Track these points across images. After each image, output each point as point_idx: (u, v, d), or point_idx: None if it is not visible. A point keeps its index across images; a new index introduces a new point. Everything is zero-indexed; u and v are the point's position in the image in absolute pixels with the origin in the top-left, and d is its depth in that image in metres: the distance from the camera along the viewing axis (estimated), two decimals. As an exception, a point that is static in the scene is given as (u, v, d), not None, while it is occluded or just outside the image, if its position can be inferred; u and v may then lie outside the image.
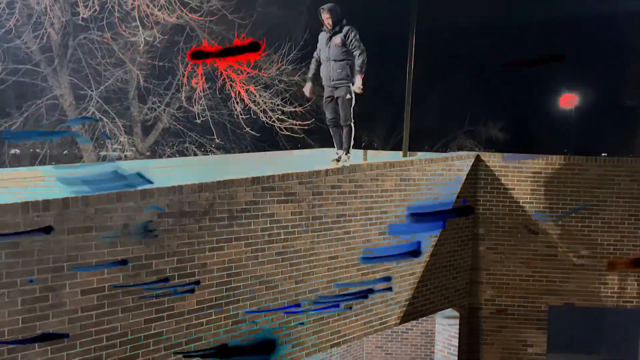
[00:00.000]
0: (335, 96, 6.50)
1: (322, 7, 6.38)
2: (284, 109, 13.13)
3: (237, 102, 12.91)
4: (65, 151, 15.15)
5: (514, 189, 7.66)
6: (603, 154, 26.00)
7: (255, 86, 13.03)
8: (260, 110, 12.94)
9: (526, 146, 22.55)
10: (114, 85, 12.83)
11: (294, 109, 13.17)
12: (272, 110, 13.04)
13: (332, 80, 6.43)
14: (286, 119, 13.17)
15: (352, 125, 6.56)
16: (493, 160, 7.67)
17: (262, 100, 12.95)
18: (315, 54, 6.67)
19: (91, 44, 12.20)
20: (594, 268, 7.68)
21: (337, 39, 6.31)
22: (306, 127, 13.81)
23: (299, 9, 14.38)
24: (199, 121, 13.20)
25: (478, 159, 7.65)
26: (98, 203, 4.07)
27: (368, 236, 6.26)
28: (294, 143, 15.58)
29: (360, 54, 6.32)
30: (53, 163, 13.69)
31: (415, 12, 7.58)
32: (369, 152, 8.80)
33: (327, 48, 6.41)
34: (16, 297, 3.73)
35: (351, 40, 6.27)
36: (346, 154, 6.60)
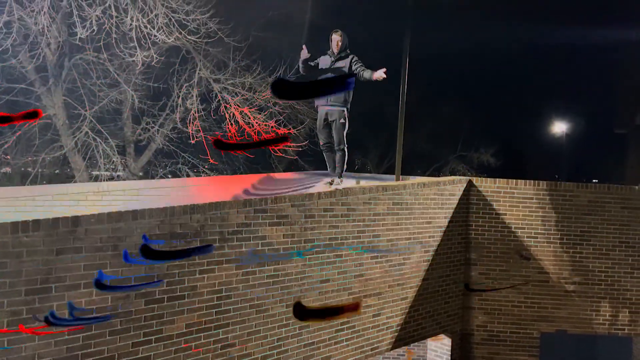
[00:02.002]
0: (330, 120, 6.58)
1: (336, 30, 6.58)
2: (277, 131, 13.19)
3: (232, 124, 12.97)
4: (57, 170, 15.07)
5: (505, 215, 7.68)
6: (594, 181, 26.24)
7: (250, 108, 13.11)
8: (254, 132, 12.99)
9: (518, 172, 22.72)
10: (108, 105, 12.86)
11: (287, 131, 13.23)
12: (266, 132, 13.09)
13: (329, 102, 6.51)
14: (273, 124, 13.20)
15: (346, 149, 6.61)
16: (485, 185, 7.71)
17: (256, 122, 13.02)
18: (312, 62, 6.66)
19: (87, 64, 12.26)
20: (586, 295, 7.68)
21: (342, 63, 6.49)
22: (299, 149, 13.87)
23: (294, 33, 14.56)
24: (192, 142, 13.22)
25: (470, 184, 7.69)
26: (88, 224, 4.04)
27: (360, 260, 6.23)
28: (287, 165, 15.62)
29: (367, 70, 6.52)
30: (44, 182, 13.60)
31: (409, 38, 7.71)
32: (362, 175, 8.83)
33: (329, 70, 6.53)
34: (2, 318, 3.67)
35: (356, 67, 6.50)
36: (339, 178, 6.62)
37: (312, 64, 6.59)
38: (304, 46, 6.54)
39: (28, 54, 11.43)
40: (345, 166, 6.69)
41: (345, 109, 6.50)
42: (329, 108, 6.50)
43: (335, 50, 6.49)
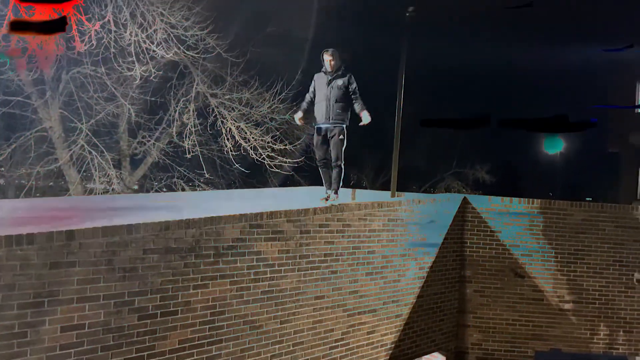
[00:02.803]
0: (329, 136, 6.51)
1: (327, 49, 6.56)
2: (274, 146, 13.23)
3: (228, 139, 13.00)
4: (51, 183, 15.01)
5: (500, 232, 7.70)
6: (588, 199, 26.35)
7: (247, 123, 13.15)
8: (251, 147, 13.02)
9: (512, 189, 22.81)
10: (105, 119, 12.87)
11: (284, 147, 13.27)
12: (263, 148, 13.12)
13: (330, 119, 6.50)
14: (276, 156, 13.24)
15: (343, 166, 6.58)
16: (480, 202, 7.74)
17: (253, 138, 13.05)
18: (309, 94, 6.74)
19: (84, 77, 12.30)
20: (580, 313, 7.67)
21: (340, 82, 6.49)
22: (296, 165, 13.88)
23: (291, 50, 14.70)
24: (188, 156, 13.22)
25: (465, 201, 7.72)
26: (83, 237, 4.03)
27: (355, 276, 6.22)
28: (283, 180, 15.62)
29: (358, 98, 6.59)
30: (38, 195, 13.54)
31: (405, 55, 7.79)
32: (357, 191, 8.85)
33: (327, 88, 6.52)
34: (-7, 332, 3.63)
35: (353, 87, 6.54)
36: (335, 194, 6.64)
37: (306, 105, 6.73)
38: (299, 119, 6.81)
39: (26, 67, 11.45)
40: (341, 183, 6.63)
41: (344, 126, 6.52)
42: (329, 125, 6.51)
43: (330, 69, 6.49)
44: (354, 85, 6.54)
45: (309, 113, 6.89)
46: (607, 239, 7.71)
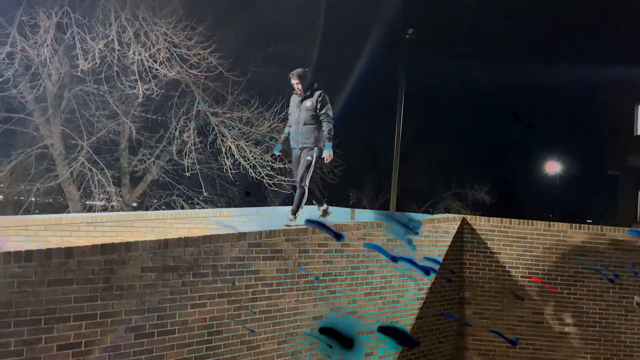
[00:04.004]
0: (301, 156, 6.37)
1: (292, 72, 6.39)
2: (273, 165, 13.27)
3: (228, 157, 13.04)
4: (50, 200, 15.02)
5: (499, 254, 7.68)
6: (588, 221, 26.31)
7: (247, 142, 13.21)
8: (250, 166, 13.05)
9: (512, 210, 22.80)
10: (106, 136, 12.94)
11: (283, 166, 13.31)
12: (262, 166, 13.16)
13: (299, 142, 6.33)
14: (275, 175, 13.28)
15: (307, 189, 6.32)
16: (479, 223, 7.74)
17: (253, 156, 13.10)
18: (289, 119, 6.61)
19: (86, 95, 12.40)
20: (580, 337, 7.61)
21: (308, 103, 6.28)
22: (294, 184, 13.89)
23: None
24: (188, 174, 13.25)
25: (464, 222, 7.71)
26: (81, 255, 4.02)
27: (354, 296, 6.18)
28: (282, 199, 15.62)
29: (326, 122, 6.28)
30: (37, 212, 13.53)
31: (404, 77, 7.88)
32: (356, 210, 8.85)
33: (297, 111, 6.37)
34: (-12, 350, 3.61)
35: (321, 107, 6.26)
36: (293, 215, 6.21)
37: (284, 137, 6.62)
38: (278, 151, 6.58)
39: (29, 85, 11.56)
40: (302, 205, 6.36)
41: (315, 148, 6.31)
42: (302, 145, 6.34)
43: (299, 92, 6.36)
44: (325, 106, 6.26)
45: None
46: (606, 261, 7.68)
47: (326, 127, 6.27)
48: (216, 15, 12.50)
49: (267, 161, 13.25)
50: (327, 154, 6.31)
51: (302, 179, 6.29)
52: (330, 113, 6.35)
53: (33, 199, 12.57)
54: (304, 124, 6.28)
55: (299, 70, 6.37)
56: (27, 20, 10.58)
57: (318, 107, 6.27)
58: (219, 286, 4.89)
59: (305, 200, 6.33)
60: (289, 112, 6.58)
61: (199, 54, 11.90)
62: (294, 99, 6.46)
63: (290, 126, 6.53)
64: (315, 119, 6.28)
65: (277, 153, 6.85)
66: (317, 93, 6.30)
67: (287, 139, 6.61)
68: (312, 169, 6.33)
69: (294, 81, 6.34)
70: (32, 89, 11.57)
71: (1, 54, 10.43)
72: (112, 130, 12.90)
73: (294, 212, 6.25)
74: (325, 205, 6.51)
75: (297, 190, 6.35)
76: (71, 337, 3.97)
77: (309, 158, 6.27)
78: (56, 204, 14.65)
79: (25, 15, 10.58)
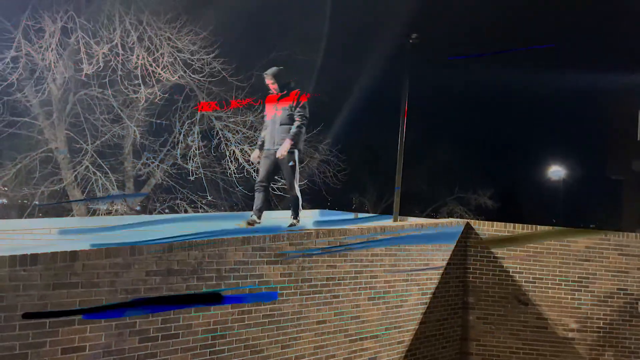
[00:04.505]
0: (278, 162, 6.06)
1: (266, 72, 6.16)
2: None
3: (231, 161, 13.07)
4: (55, 203, 15.06)
5: (503, 258, 7.67)
6: (592, 226, 26.23)
7: (250, 146, 13.23)
8: (254, 170, 13.07)
9: (515, 215, 22.76)
10: (110, 140, 12.98)
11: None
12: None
13: (275, 144, 6.03)
14: (279, 179, 13.28)
15: (299, 195, 6.12)
16: (483, 228, 7.73)
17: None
18: (265, 122, 6.34)
19: (91, 99, 12.45)
20: (585, 342, 7.58)
21: (284, 102, 6.02)
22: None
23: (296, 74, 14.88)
24: (192, 178, 13.28)
25: (468, 226, 7.70)
26: (86, 258, 4.03)
27: (357, 301, 6.18)
28: (285, 203, 15.64)
29: (299, 122, 6.00)
30: (40, 215, 13.58)
31: (407, 80, 7.88)
32: (360, 214, 8.85)
33: (273, 111, 6.10)
34: (-7, 353, 3.62)
35: (296, 106, 6.01)
36: (295, 219, 6.13)
37: (260, 142, 6.28)
38: (256, 156, 6.21)
39: (33, 89, 11.61)
40: (300, 209, 6.20)
41: (295, 151, 6.02)
42: (278, 146, 5.99)
43: (274, 92, 6.11)
44: (300, 105, 6.00)
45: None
46: (611, 267, 7.66)
47: (295, 126, 5.97)
48: (220, 20, 12.54)
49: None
50: (282, 149, 5.91)
51: (291, 186, 6.07)
52: (306, 113, 6.08)
53: (37, 202, 12.60)
54: (281, 124, 6.02)
55: (273, 70, 6.11)
56: (32, 24, 10.64)
57: (294, 105, 6.02)
58: (222, 290, 4.89)
59: (301, 202, 6.20)
60: (265, 113, 6.29)
61: (203, 59, 11.94)
62: (271, 98, 6.19)
63: (266, 128, 6.25)
64: (292, 118, 6.02)
65: (252, 158, 6.53)
66: (294, 92, 6.04)
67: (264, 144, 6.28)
68: (297, 173, 6.10)
69: (268, 81, 6.09)
70: (36, 93, 11.62)
71: (6, 58, 10.48)
72: (116, 134, 12.95)
73: (296, 217, 6.16)
74: (298, 219, 6.15)
75: (291, 198, 6.19)
76: (76, 340, 3.98)
77: (291, 164, 6.02)
78: (60, 208, 14.69)
79: (30, 19, 10.65)
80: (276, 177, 13.22)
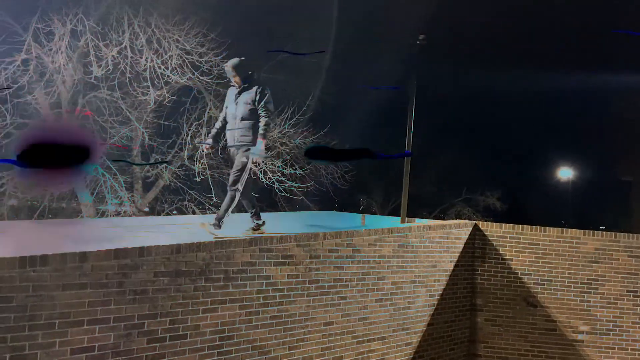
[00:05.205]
0: (234, 156, 5.71)
1: (226, 63, 5.78)
2: (284, 170, 13.31)
3: (238, 163, 13.09)
4: (64, 205, 15.16)
5: (512, 260, 7.63)
6: (601, 228, 26.02)
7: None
8: (261, 171, 13.10)
9: (524, 217, 22.64)
10: (119, 142, 13.05)
11: (294, 171, 13.34)
12: (273, 172, 13.20)
13: (235, 141, 5.67)
14: (286, 180, 13.31)
15: (237, 194, 5.54)
16: (491, 229, 7.69)
17: (263, 162, 13.14)
18: (222, 113, 5.93)
19: (100, 101, 12.54)
20: (594, 345, 7.52)
21: (246, 96, 5.61)
22: (305, 190, 13.94)
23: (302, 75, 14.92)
24: (199, 179, 13.33)
25: (476, 228, 7.67)
26: (95, 259, 4.07)
27: (364, 302, 6.17)
28: (293, 204, 15.67)
29: (265, 116, 5.60)
30: (50, 216, 13.67)
31: (415, 82, 7.86)
32: (367, 216, 8.83)
33: (234, 105, 5.68)
34: (4, 353, 3.65)
35: (260, 100, 5.59)
36: (217, 224, 5.37)
37: (217, 128, 5.86)
38: (205, 146, 5.64)
39: (43, 91, 11.72)
40: (229, 212, 5.55)
41: (252, 149, 5.61)
42: (233, 147, 5.68)
43: (236, 85, 5.71)
44: (261, 99, 5.57)
45: (218, 140, 6.05)
46: (620, 268, 7.60)
47: (262, 121, 5.57)
48: (228, 22, 12.60)
49: (278, 167, 13.30)
50: (260, 151, 5.59)
51: (234, 182, 5.52)
52: (271, 107, 5.67)
53: (47, 204, 12.70)
54: (241, 120, 5.60)
55: (234, 61, 5.70)
56: (42, 27, 10.75)
57: (257, 99, 5.59)
58: (230, 291, 4.91)
59: (233, 206, 5.58)
60: (225, 105, 5.86)
61: (211, 61, 11.99)
62: (232, 92, 5.79)
63: (223, 122, 5.83)
64: (254, 114, 5.60)
65: (203, 148, 5.99)
66: (256, 86, 5.65)
67: (217, 135, 5.89)
68: (247, 172, 5.59)
69: (232, 73, 5.67)
70: (46, 95, 11.72)
71: (16, 61, 10.59)
72: (125, 136, 13.02)
73: (219, 220, 5.44)
74: (261, 220, 5.69)
75: (228, 195, 5.60)
76: (85, 341, 4.01)
77: (244, 160, 5.56)
78: (69, 209, 14.79)
79: (40, 22, 10.75)
80: (283, 178, 13.29)
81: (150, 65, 11.16)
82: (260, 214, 5.80)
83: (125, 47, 10.97)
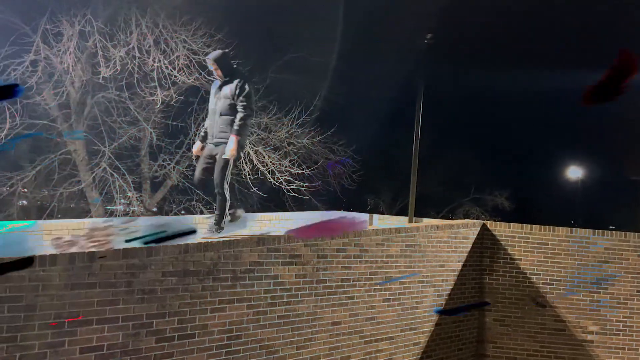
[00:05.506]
0: (214, 154, 5.40)
1: (208, 56, 5.58)
2: (291, 170, 13.31)
3: (246, 163, 13.13)
4: (72, 204, 15.26)
5: (520, 260, 7.58)
6: (611, 227, 25.80)
7: (265, 148, 13.28)
8: (268, 171, 13.11)
9: (533, 216, 22.50)
10: (127, 142, 13.12)
11: (301, 171, 13.34)
12: (280, 172, 13.21)
13: (214, 137, 5.41)
14: (293, 180, 13.32)
15: (227, 194, 5.34)
16: (499, 229, 7.65)
17: (271, 162, 13.16)
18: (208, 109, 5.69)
19: (108, 102, 12.60)
20: (604, 345, 7.46)
21: (226, 90, 5.33)
22: (313, 189, 13.94)
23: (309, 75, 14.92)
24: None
25: (484, 228, 7.63)
26: (103, 259, 4.08)
27: (372, 302, 6.16)
28: (300, 204, 15.67)
29: (243, 111, 5.29)
30: (59, 216, 13.77)
31: (423, 82, 7.85)
32: (374, 216, 8.82)
33: (215, 99, 5.44)
34: (15, 352, 3.68)
35: (239, 94, 5.29)
36: (219, 228, 5.34)
37: (202, 133, 5.65)
38: (196, 151, 5.51)
39: (52, 92, 11.79)
40: (226, 214, 5.42)
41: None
42: (217, 139, 5.36)
43: (219, 78, 5.47)
44: (240, 93, 5.26)
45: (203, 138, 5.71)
46: (630, 268, 7.53)
47: (238, 116, 5.26)
48: (235, 22, 12.63)
49: (286, 167, 13.30)
50: (230, 149, 5.25)
51: (219, 183, 5.29)
52: (251, 103, 5.36)
53: (56, 203, 12.78)
54: (221, 115, 5.34)
55: (216, 53, 5.50)
56: (51, 28, 10.81)
57: (236, 93, 5.29)
58: (238, 290, 4.91)
59: (228, 205, 5.42)
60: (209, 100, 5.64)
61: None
62: (213, 86, 5.58)
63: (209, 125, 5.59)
64: (233, 109, 5.33)
65: (194, 150, 5.68)
66: (237, 80, 5.35)
67: (207, 136, 5.65)
68: (229, 171, 5.36)
69: (212, 66, 5.43)
70: (55, 96, 11.80)
71: (25, 62, 10.67)
72: (133, 137, 13.09)
73: (219, 223, 5.38)
74: (221, 226, 5.42)
75: (217, 198, 5.41)
76: (94, 340, 4.03)
77: (225, 156, 5.31)
78: (78, 209, 14.89)
79: (49, 23, 10.82)
80: (290, 178, 13.29)
81: (157, 66, 11.20)
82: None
83: (133, 47, 11.02)
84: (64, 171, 12.76)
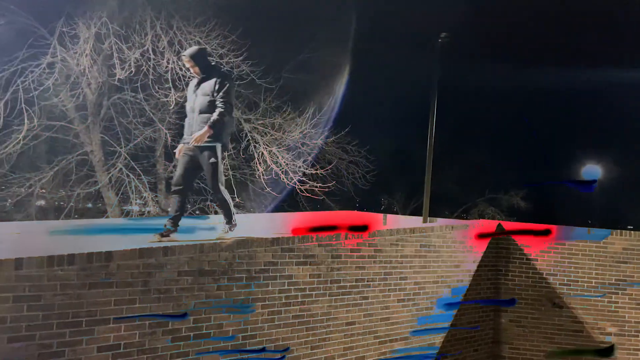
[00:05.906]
0: (199, 159, 5.15)
1: (183, 53, 5.33)
2: (305, 171, 13.33)
3: (260, 163, 13.18)
4: (90, 205, 15.45)
5: (537, 260, 7.51)
6: (629, 227, 25.42)
7: (279, 148, 13.32)
8: (282, 172, 13.14)
9: (549, 216, 22.25)
10: (143, 143, 13.24)
11: (315, 171, 13.35)
12: (294, 172, 13.24)
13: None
14: (307, 180, 13.33)
15: (225, 195, 5.17)
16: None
17: (285, 162, 13.19)
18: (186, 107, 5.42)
19: (124, 103, 12.73)
20: (622, 347, 7.35)
21: (206, 85, 5.12)
22: (326, 190, 13.94)
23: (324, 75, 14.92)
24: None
25: (500, 228, 7.57)
26: (121, 259, 4.13)
27: (386, 302, 6.14)
28: (314, 204, 15.68)
29: (222, 107, 5.05)
30: (76, 217, 13.94)
31: (437, 80, 7.80)
32: (388, 216, 8.79)
33: (193, 96, 5.20)
34: (34, 351, 3.73)
35: (218, 90, 5.07)
36: (228, 225, 5.21)
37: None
38: (178, 151, 5.21)
39: (69, 93, 11.95)
40: (233, 212, 5.28)
41: (216, 146, 5.11)
42: (193, 147, 5.09)
43: (197, 75, 5.25)
44: (224, 90, 5.05)
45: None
46: (649, 269, 7.41)
47: (216, 112, 5.03)
48: (248, 23, 12.67)
49: (299, 167, 13.33)
50: (197, 135, 5.00)
51: (214, 187, 5.10)
52: (230, 100, 5.12)
53: (73, 204, 12.95)
54: (200, 113, 5.10)
55: (191, 50, 5.24)
56: (67, 31, 10.95)
57: (215, 90, 5.08)
58: (252, 290, 4.93)
59: (232, 205, 5.27)
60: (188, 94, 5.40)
61: (231, 62, 12.08)
62: (192, 83, 5.33)
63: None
64: (213, 106, 5.10)
65: (177, 151, 5.32)
66: (216, 78, 5.13)
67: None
68: (221, 171, 5.14)
69: (188, 64, 5.22)
70: (72, 98, 11.95)
71: (42, 64, 10.82)
72: (148, 137, 13.20)
73: (230, 221, 5.23)
74: (233, 223, 5.26)
75: (218, 202, 5.28)
76: (111, 338, 4.07)
77: (213, 160, 5.07)
78: (95, 209, 15.06)
79: (65, 26, 10.96)
80: (304, 178, 13.30)
81: (171, 67, 11.29)
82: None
83: (148, 49, 11.11)
84: (81, 172, 12.92)
